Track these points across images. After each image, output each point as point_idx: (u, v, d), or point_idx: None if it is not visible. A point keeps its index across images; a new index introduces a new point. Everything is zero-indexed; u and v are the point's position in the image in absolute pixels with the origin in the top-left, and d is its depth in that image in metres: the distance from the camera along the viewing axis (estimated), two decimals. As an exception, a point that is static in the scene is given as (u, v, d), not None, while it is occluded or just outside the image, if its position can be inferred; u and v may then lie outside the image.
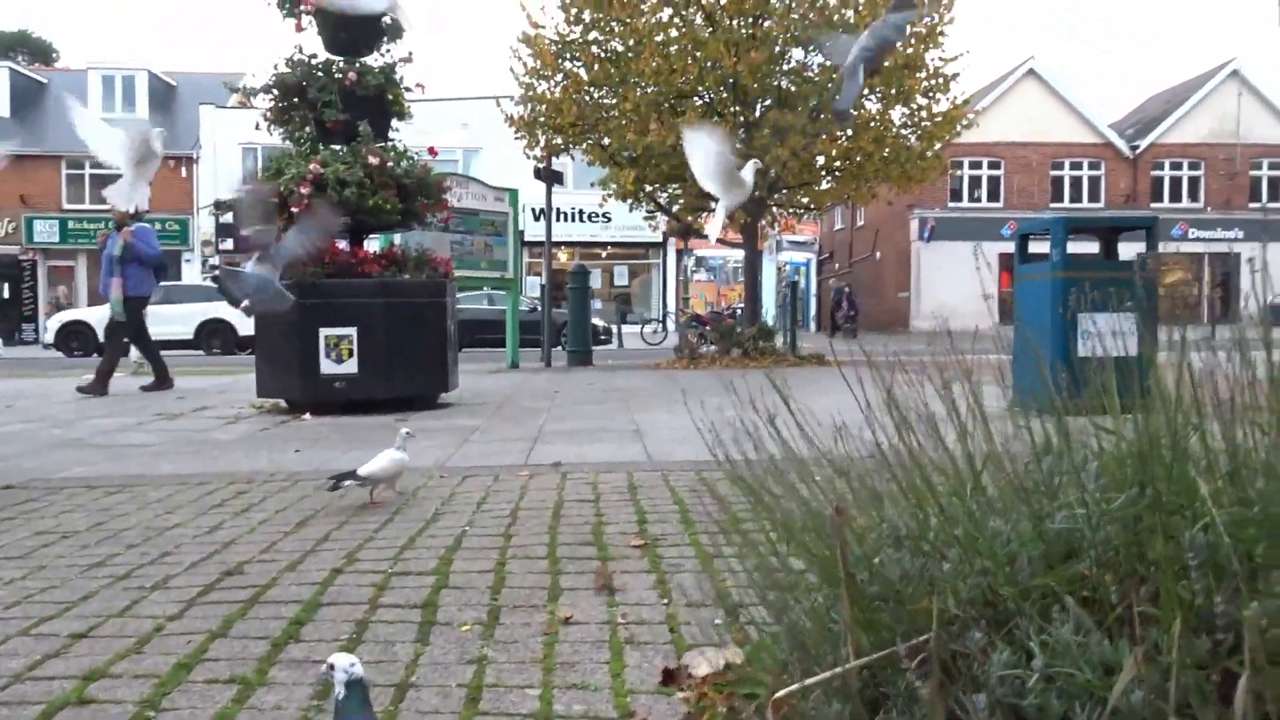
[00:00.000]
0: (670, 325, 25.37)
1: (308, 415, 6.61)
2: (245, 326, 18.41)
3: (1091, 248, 6.90)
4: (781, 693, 1.22)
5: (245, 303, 5.74)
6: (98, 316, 19.21)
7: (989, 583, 1.22)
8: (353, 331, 6.68)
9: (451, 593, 2.46)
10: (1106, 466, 1.24)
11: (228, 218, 26.39)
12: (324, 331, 6.67)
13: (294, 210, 6.56)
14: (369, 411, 6.69)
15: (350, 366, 6.71)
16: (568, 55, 13.59)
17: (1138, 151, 32.26)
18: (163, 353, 9.69)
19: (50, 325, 21.88)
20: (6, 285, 30.28)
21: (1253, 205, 31.27)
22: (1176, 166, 32.37)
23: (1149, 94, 38.77)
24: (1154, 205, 31.64)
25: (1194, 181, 32.36)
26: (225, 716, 1.71)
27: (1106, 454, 1.27)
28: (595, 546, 2.91)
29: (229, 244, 27.79)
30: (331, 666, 1.37)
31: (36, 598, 2.47)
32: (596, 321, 21.73)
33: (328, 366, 6.69)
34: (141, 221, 9.22)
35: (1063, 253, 6.24)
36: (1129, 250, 6.90)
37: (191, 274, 28.96)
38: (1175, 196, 32.43)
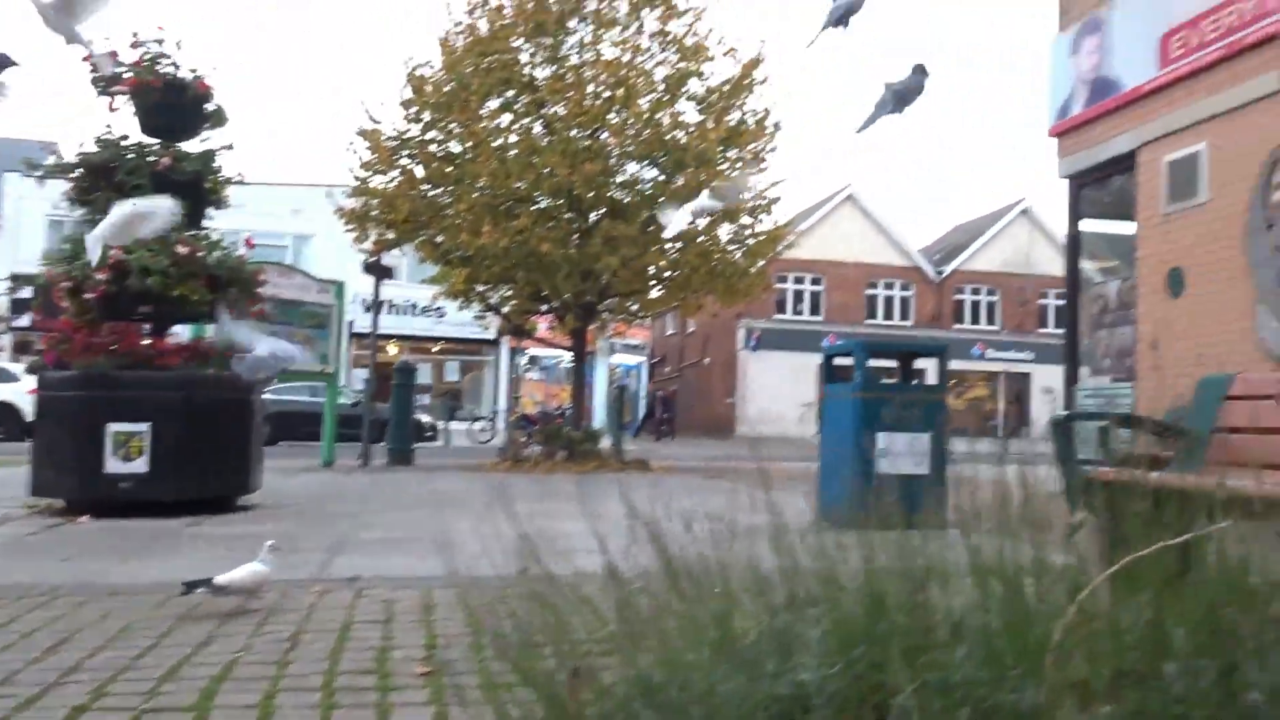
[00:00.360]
0: (500, 424, 25.11)
1: (86, 518, 6.10)
2: (29, 414, 16.97)
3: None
4: None
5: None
6: None
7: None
8: (145, 428, 6.26)
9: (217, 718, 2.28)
10: (835, 628, 1.29)
11: (25, 293, 24.56)
12: (112, 427, 6.22)
13: (88, 296, 6.19)
14: (159, 514, 6.24)
15: (140, 465, 6.26)
16: (405, 152, 13.60)
17: (942, 276, 34.92)
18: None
19: None
20: None
21: (1041, 330, 34.24)
22: (976, 292, 35.21)
23: (953, 224, 42.21)
24: (957, 326, 34.17)
25: (991, 306, 35.25)
26: None
27: (836, 613, 1.33)
28: (378, 675, 2.78)
29: (25, 320, 25.76)
30: None
31: None
32: (423, 418, 21.28)
33: (114, 465, 6.23)
34: None
35: (864, 374, 6.60)
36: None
37: (-22, 351, 26.61)
38: (975, 319, 35.16)
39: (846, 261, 33.67)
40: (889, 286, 34.64)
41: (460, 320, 24.62)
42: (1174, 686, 1.18)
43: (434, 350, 30.79)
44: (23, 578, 4.16)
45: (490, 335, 26.22)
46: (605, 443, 14.18)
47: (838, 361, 7.25)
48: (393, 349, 28.11)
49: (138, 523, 5.97)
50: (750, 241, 14.29)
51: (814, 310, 34.06)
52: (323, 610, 3.61)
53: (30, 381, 18.70)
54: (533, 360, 32.63)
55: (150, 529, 5.75)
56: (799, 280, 33.68)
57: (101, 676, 2.70)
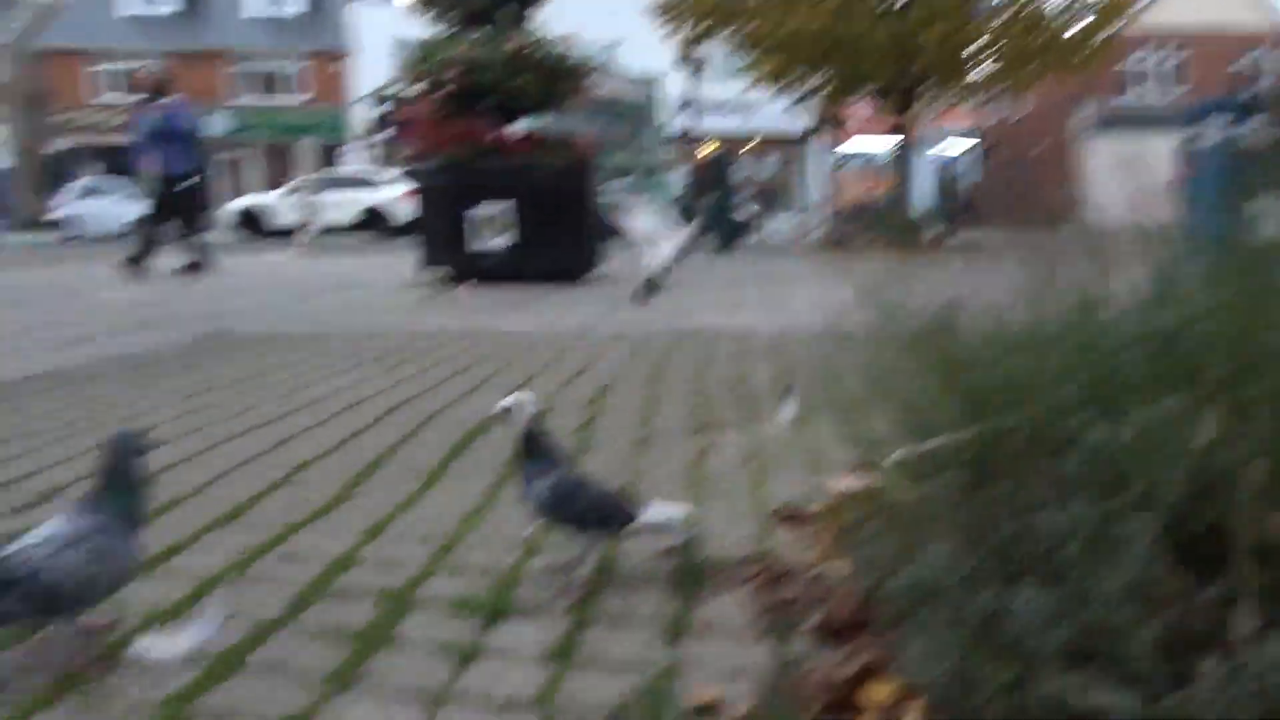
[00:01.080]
0: (818, 217, 24.94)
1: (466, 284, 7.02)
2: (398, 217, 19.29)
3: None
4: (898, 454, 1.39)
5: None
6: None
7: (1095, 372, 1.34)
8: (502, 209, 7.05)
9: (608, 417, 2.73)
10: (1219, 273, 1.32)
11: (384, 108, 27.31)
12: (476, 209, 7.06)
13: (440, 93, 6.94)
14: (521, 282, 7.05)
15: (502, 241, 7.10)
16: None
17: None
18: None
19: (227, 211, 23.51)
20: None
21: None
22: (1390, 50, 29.04)
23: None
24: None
25: None
26: (410, 501, 2.00)
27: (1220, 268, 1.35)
28: (739, 391, 3.11)
29: (386, 134, 28.66)
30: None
31: (245, 417, 2.87)
32: (744, 210, 21.59)
33: (482, 241, 7.11)
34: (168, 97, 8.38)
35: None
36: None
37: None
38: (1387, 84, 29.20)
39: (1209, 34, 28.84)
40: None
41: (774, 116, 24.30)
42: None
43: (748, 147, 30.71)
44: (431, 325, 4.97)
45: (804, 129, 25.67)
46: (928, 231, 13.78)
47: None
48: (709, 146, 28.40)
49: (506, 289, 6.82)
50: (1084, 9, 12.74)
51: (1166, 90, 29.83)
52: (680, 351, 4.01)
53: (391, 189, 21.29)
54: (847, 156, 31.69)
55: (519, 292, 6.57)
56: (1155, 53, 29.47)
57: (514, 383, 3.24)
